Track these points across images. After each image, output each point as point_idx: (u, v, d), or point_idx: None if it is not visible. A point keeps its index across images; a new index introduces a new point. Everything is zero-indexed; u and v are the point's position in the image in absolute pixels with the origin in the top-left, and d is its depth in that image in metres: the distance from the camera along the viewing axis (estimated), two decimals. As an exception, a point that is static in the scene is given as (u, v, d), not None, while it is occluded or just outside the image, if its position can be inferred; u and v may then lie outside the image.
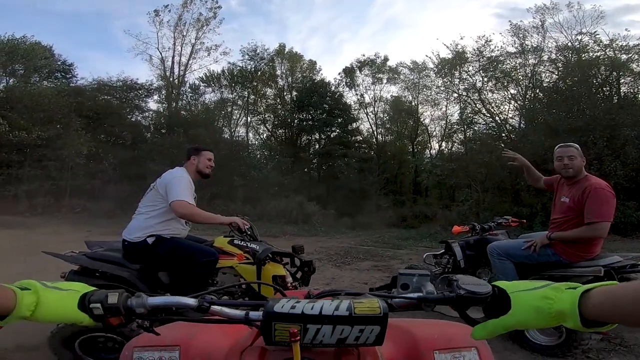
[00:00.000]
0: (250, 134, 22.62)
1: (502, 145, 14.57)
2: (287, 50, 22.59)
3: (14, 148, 13.68)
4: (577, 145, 2.62)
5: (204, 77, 21.63)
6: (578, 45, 13.67)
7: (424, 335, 0.88)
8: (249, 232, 2.78)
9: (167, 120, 19.41)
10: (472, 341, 0.86)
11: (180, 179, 2.41)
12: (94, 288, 0.66)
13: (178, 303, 0.66)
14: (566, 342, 2.38)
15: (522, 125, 14.89)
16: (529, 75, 15.22)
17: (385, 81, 22.43)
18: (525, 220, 3.92)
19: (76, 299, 0.63)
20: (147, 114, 20.29)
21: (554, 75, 14.31)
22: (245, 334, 0.76)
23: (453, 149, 19.94)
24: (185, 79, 21.45)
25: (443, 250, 3.63)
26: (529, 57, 15.27)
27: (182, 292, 2.10)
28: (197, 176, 2.65)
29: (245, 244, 2.64)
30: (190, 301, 0.66)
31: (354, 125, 22.61)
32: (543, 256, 2.58)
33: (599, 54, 12.99)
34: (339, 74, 23.00)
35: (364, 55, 22.80)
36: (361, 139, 23.06)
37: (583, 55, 13.16)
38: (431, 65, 18.80)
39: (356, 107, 22.74)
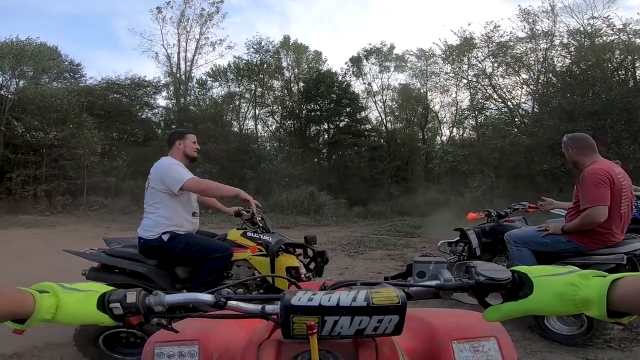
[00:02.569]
0: (259, 126, 22.73)
1: (515, 130, 14.35)
2: (292, 41, 22.46)
3: (30, 149, 13.96)
4: (565, 138, 2.62)
5: (210, 72, 21.73)
6: (591, 30, 13.35)
7: (442, 325, 0.87)
8: (261, 224, 2.80)
9: (176, 116, 19.58)
10: (492, 330, 0.85)
11: (172, 165, 2.41)
12: (112, 287, 0.66)
13: (195, 300, 0.67)
14: (587, 331, 2.33)
15: (535, 109, 14.59)
16: (541, 60, 14.97)
17: (392, 69, 22.21)
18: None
19: (95, 300, 0.63)
20: (156, 110, 20.62)
21: (567, 60, 14.07)
22: (262, 328, 0.77)
23: (464, 135, 19.74)
24: (192, 75, 21.56)
25: (458, 238, 3.58)
26: (540, 41, 14.99)
27: (198, 286, 2.14)
28: (185, 160, 2.60)
29: (258, 236, 2.66)
30: (207, 297, 0.67)
31: (363, 114, 22.45)
32: (560, 244, 2.55)
33: (612, 38, 12.76)
34: (346, 63, 22.87)
35: (370, 44, 22.55)
36: (370, 127, 22.89)
37: (596, 40, 12.87)
38: (439, 52, 18.60)
39: (364, 96, 22.60)
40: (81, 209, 13.44)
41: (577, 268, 0.59)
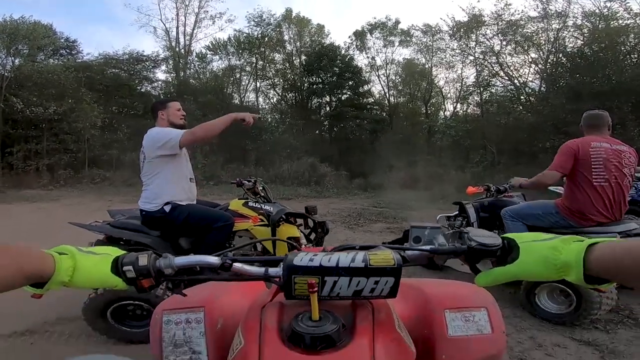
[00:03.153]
0: (260, 99, 22.48)
1: (520, 108, 14.22)
2: (294, 15, 21.86)
3: (30, 124, 13.95)
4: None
5: (210, 45, 21.34)
6: (607, 12, 12.96)
7: (436, 294, 0.90)
8: (263, 194, 2.84)
9: (176, 89, 19.33)
10: (483, 302, 0.89)
11: (160, 130, 2.37)
12: (125, 252, 0.69)
13: (202, 261, 0.69)
14: (575, 310, 2.39)
15: (542, 88, 14.39)
16: (552, 40, 14.58)
17: (397, 44, 21.69)
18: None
19: (109, 263, 0.65)
20: (156, 84, 20.32)
21: (579, 41, 13.71)
22: (265, 292, 0.80)
23: (468, 111, 19.53)
24: (192, 49, 21.20)
25: (457, 212, 3.62)
26: (553, 22, 14.57)
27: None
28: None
29: (259, 206, 2.70)
30: (214, 259, 0.69)
31: (366, 87, 22.14)
32: (551, 217, 2.62)
33: (629, 22, 12.42)
34: (349, 37, 22.31)
35: (374, 18, 22.11)
36: (373, 100, 22.63)
37: (612, 23, 12.53)
38: (446, 28, 18.06)
39: (367, 70, 22.18)
40: (84, 182, 13.54)
41: (560, 235, 0.61)
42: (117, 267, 0.65)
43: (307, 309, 0.60)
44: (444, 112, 22.15)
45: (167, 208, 2.37)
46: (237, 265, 0.70)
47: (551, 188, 3.63)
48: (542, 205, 2.74)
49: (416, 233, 0.72)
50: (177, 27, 20.45)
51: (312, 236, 2.98)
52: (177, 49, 20.57)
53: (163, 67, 20.56)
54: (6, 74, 14.02)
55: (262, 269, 0.69)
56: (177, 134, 2.28)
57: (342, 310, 0.65)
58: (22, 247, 0.57)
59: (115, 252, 0.68)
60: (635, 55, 11.90)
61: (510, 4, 15.38)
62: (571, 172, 2.48)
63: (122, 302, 2.18)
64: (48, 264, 0.59)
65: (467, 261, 0.66)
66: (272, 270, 0.68)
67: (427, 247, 0.68)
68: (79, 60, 17.77)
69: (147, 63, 19.45)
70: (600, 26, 12.84)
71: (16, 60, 14.79)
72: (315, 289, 0.58)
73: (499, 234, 2.27)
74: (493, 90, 16.38)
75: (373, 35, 21.79)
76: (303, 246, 2.70)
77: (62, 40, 18.01)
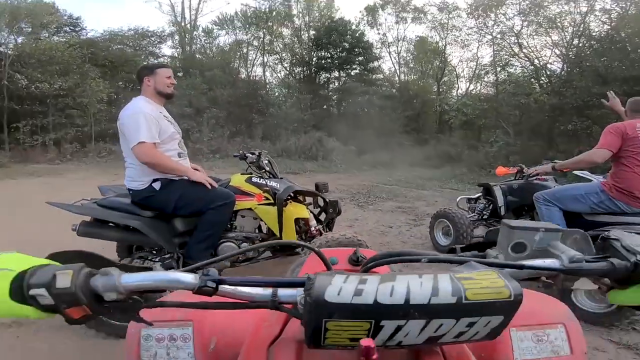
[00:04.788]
0: (268, 73, 22.12)
1: (539, 89, 13.72)
2: (302, -12, 21.06)
3: (36, 100, 13.96)
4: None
5: (216, 20, 20.92)
6: None
7: None
8: (268, 169, 2.55)
9: (182, 64, 19.10)
10: (559, 317, 0.70)
11: (134, 116, 2.05)
12: (38, 262, 0.44)
13: (168, 281, 0.44)
14: (617, 311, 2.19)
15: (564, 72, 13.74)
16: (578, 23, 13.83)
17: (409, 21, 21.06)
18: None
19: (7, 284, 0.41)
20: (162, 59, 20.08)
21: (606, 26, 12.99)
22: (271, 317, 0.57)
23: (482, 90, 18.94)
24: (198, 24, 20.87)
25: (480, 194, 3.36)
26: (580, 4, 13.71)
27: (198, 242, 1.87)
28: (160, 99, 2.26)
29: (264, 182, 2.42)
30: (188, 278, 0.45)
31: (376, 63, 21.66)
32: (597, 200, 2.45)
33: None
34: (360, 12, 21.91)
35: (387, -7, 21.04)
36: (383, 77, 22.19)
37: None
38: (464, 6, 17.27)
39: (378, 46, 21.72)
40: (90, 156, 13.54)
41: None
42: (21, 290, 0.40)
43: (341, 358, 0.39)
44: (456, 91, 21.75)
45: (157, 185, 2.11)
46: (226, 287, 0.45)
47: (579, 173, 3.47)
48: (583, 186, 2.60)
49: (520, 237, 0.44)
50: (183, 2, 20.20)
51: (322, 216, 2.72)
52: (183, 24, 20.26)
53: (169, 43, 20.55)
54: (9, 52, 13.95)
55: (268, 292, 0.44)
56: (138, 138, 1.98)
57: (398, 358, 0.44)
58: None
59: (16, 264, 0.42)
60: None
61: None
62: (619, 152, 2.43)
63: None
64: None
65: (616, 283, 0.39)
66: (285, 294, 0.43)
67: (557, 263, 0.42)
68: (83, 37, 17.61)
69: (153, 38, 19.30)
70: (630, 11, 12.21)
71: (19, 39, 14.71)
72: (375, 356, 0.33)
73: (527, 219, 2.03)
74: (511, 70, 15.81)
75: (385, 11, 21.26)
76: (313, 228, 2.44)
77: (66, 18, 17.79)
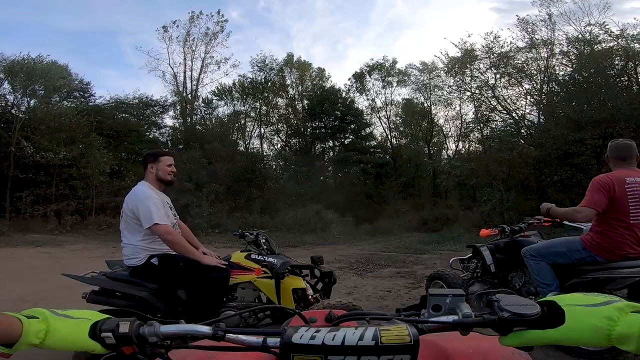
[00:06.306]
0: (265, 145, 22.96)
1: (522, 142, 14.29)
2: (295, 59, 22.91)
3: (40, 169, 14.09)
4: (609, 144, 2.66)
5: (216, 90, 22.15)
6: (589, 37, 13.43)
7: (456, 350, 0.78)
8: (266, 246, 2.74)
9: (183, 136, 19.87)
10: (512, 356, 0.78)
11: (146, 199, 2.25)
12: (106, 316, 0.65)
13: (192, 331, 0.64)
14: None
15: (541, 120, 14.56)
16: (543, 69, 15.03)
17: (395, 84, 22.47)
18: (558, 219, 3.78)
19: (87, 328, 0.62)
20: (164, 130, 20.94)
21: (568, 68, 14.11)
22: (265, 358, 0.72)
23: (471, 148, 19.71)
24: (198, 94, 22.03)
25: (470, 255, 3.49)
26: (540, 50, 15.09)
27: (198, 309, 2.02)
28: (160, 185, 2.45)
29: (262, 258, 2.61)
30: (205, 329, 0.64)
31: (367, 130, 22.64)
32: (576, 253, 2.51)
33: (611, 44, 12.77)
34: (349, 79, 23.34)
35: (372, 59, 22.99)
36: (375, 143, 23.02)
37: (596, 47, 12.94)
38: (441, 65, 18.71)
39: (368, 112, 22.87)
40: (89, 229, 13.52)
41: (613, 298, 0.55)
42: (95, 332, 0.61)
43: None
44: (446, 151, 22.47)
45: (155, 261, 2.26)
46: (230, 335, 0.64)
47: (568, 224, 3.52)
48: (565, 242, 2.63)
49: (435, 301, 0.63)
50: (185, 72, 21.42)
51: (319, 285, 2.84)
52: (185, 94, 21.36)
53: (171, 113, 21.31)
54: (20, 115, 14.22)
55: (260, 340, 0.63)
56: (159, 219, 2.20)
57: None
58: None
59: (94, 316, 0.65)
60: (626, 78, 12.07)
61: (499, 37, 15.91)
62: (604, 208, 2.37)
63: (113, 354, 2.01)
64: (14, 327, 0.58)
65: (497, 332, 0.58)
66: (272, 341, 0.61)
67: (450, 319, 0.60)
68: (91, 104, 18.29)
69: (156, 108, 20.11)
70: (585, 51, 13.12)
71: (31, 102, 15.02)
72: None
73: (519, 275, 2.13)
74: (493, 126, 16.58)
75: (372, 77, 22.68)
76: (310, 297, 2.56)
77: (77, 82, 18.47)
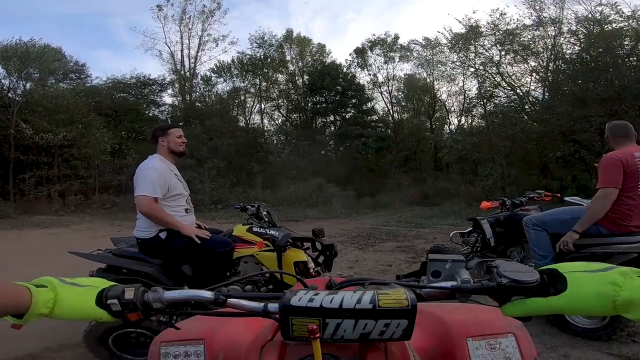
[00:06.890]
0: (265, 121, 22.81)
1: (525, 118, 14.15)
2: (294, 35, 22.41)
3: (41, 150, 14.14)
4: (607, 125, 2.62)
5: (214, 68, 21.84)
6: (599, 17, 12.94)
7: (456, 321, 0.83)
8: (267, 219, 2.76)
9: (182, 113, 19.71)
10: (509, 327, 0.81)
11: (145, 171, 2.30)
12: (113, 283, 0.65)
13: (195, 296, 0.65)
14: (610, 324, 2.24)
15: (546, 97, 14.31)
16: (550, 47, 14.60)
17: (397, 60, 22.03)
18: (559, 194, 3.75)
19: (94, 296, 0.63)
20: (163, 108, 20.81)
21: (576, 47, 13.67)
22: (266, 327, 0.74)
23: (473, 123, 19.51)
24: (197, 72, 21.72)
25: (471, 228, 3.51)
26: (548, 29, 14.62)
27: (203, 284, 2.09)
28: (173, 157, 2.50)
29: (264, 231, 2.63)
30: (207, 294, 0.65)
31: (369, 105, 22.40)
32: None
33: (622, 25, 12.33)
34: (350, 54, 22.94)
35: (374, 35, 22.56)
36: (377, 118, 22.83)
37: (606, 27, 12.50)
38: (444, 41, 18.16)
39: (370, 87, 22.52)
40: (94, 208, 13.65)
41: (613, 265, 0.54)
42: (101, 299, 0.62)
43: (310, 351, 0.54)
44: (448, 126, 22.24)
45: (163, 235, 2.29)
46: (232, 300, 0.65)
47: (569, 199, 3.53)
48: (570, 210, 2.62)
49: (435, 267, 0.64)
50: (182, 50, 21.05)
51: (321, 259, 2.88)
52: (183, 72, 21.07)
53: (169, 91, 21.12)
54: (17, 98, 14.24)
55: (261, 305, 0.64)
56: (143, 191, 2.21)
57: (349, 352, 0.59)
58: None
59: (102, 283, 0.65)
60: (635, 58, 11.82)
61: (505, 14, 15.73)
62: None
63: (124, 329, 2.10)
64: (23, 297, 0.58)
65: (496, 299, 0.58)
66: (272, 306, 0.62)
67: (449, 284, 0.61)
68: (88, 85, 18.18)
69: (154, 87, 19.92)
70: (595, 31, 12.78)
71: (27, 85, 15.00)
72: (317, 335, 0.52)
73: (518, 249, 2.15)
74: (497, 101, 16.35)
75: (373, 52, 22.19)
76: (312, 270, 2.60)
77: (72, 64, 18.41)
